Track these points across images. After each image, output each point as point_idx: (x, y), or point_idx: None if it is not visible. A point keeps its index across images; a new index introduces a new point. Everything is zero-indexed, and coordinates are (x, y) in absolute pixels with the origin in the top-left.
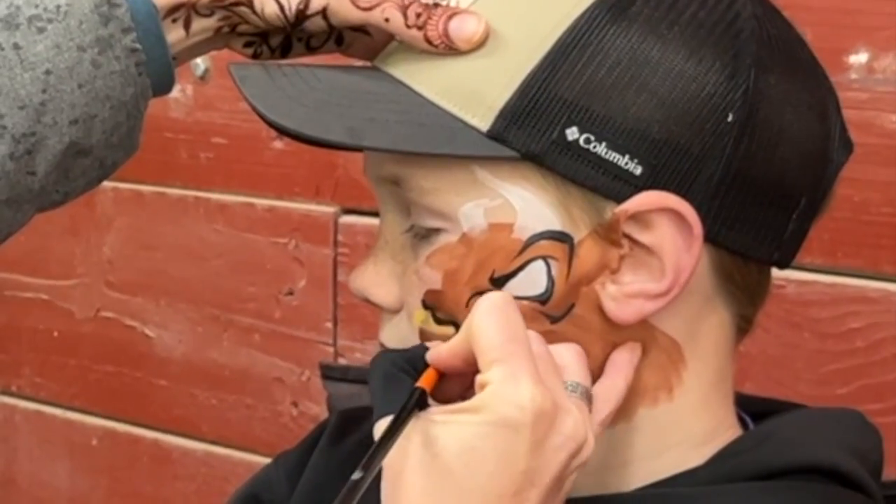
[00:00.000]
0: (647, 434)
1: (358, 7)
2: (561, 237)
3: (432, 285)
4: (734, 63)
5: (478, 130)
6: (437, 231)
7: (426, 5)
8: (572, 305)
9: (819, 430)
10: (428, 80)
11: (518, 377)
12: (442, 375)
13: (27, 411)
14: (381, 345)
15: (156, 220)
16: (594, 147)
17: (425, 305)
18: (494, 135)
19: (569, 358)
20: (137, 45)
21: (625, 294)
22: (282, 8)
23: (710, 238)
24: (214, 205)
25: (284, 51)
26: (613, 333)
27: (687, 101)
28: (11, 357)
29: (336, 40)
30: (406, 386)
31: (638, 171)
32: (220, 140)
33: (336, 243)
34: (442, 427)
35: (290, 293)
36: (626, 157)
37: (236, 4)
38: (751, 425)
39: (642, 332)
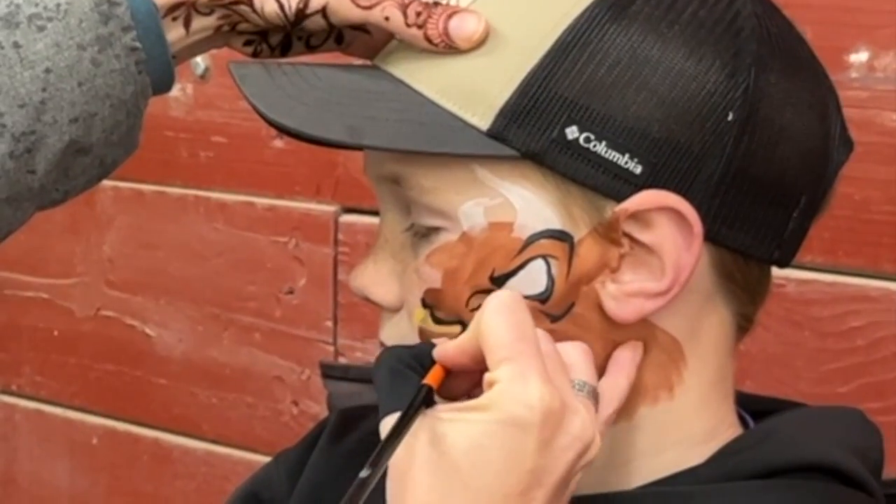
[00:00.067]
0: (647, 432)
1: (358, 6)
2: (561, 236)
3: (432, 284)
4: (734, 62)
5: (478, 129)
6: (437, 230)
7: (426, 4)
8: (572, 304)
9: (819, 428)
10: (428, 78)
11: (527, 376)
12: (448, 372)
13: (27, 410)
14: (382, 344)
15: (156, 219)
16: (594, 146)
17: (425, 304)
18: (494, 134)
19: (576, 356)
20: (137, 44)
21: (625, 293)
22: (282, 6)
23: (711, 237)
24: (215, 204)
25: (284, 49)
26: (614, 332)
27: (687, 99)
28: (11, 356)
29: (336, 39)
30: (412, 382)
31: (638, 170)
32: (220, 139)
33: (336, 242)
34: (449, 425)
35: (291, 292)
36: (626, 156)
37: (236, 3)
38: (751, 424)
39: (643, 330)
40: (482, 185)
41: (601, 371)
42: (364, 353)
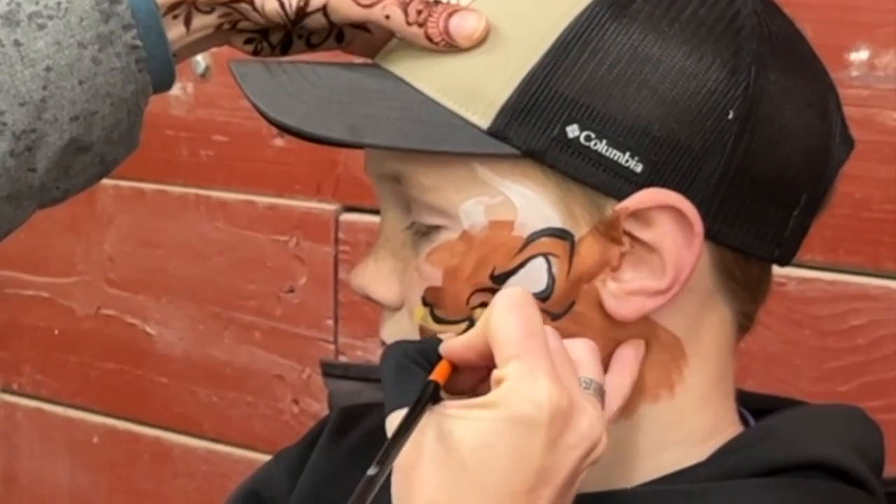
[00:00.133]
0: (648, 431)
1: (358, 4)
2: (561, 234)
3: (433, 282)
4: (735, 60)
5: (478, 128)
6: (437, 228)
7: (427, 3)
8: (573, 303)
9: (820, 426)
10: (429, 77)
11: (535, 374)
12: (455, 368)
13: (28, 409)
14: (382, 342)
15: (156, 218)
16: (595, 144)
17: (425, 302)
18: (495, 132)
19: (583, 353)
20: (138, 42)
21: (625, 291)
22: (282, 5)
23: (711, 235)
24: (215, 202)
25: (285, 48)
26: (614, 330)
27: (687, 98)
28: (12, 355)
29: (336, 37)
30: (418, 378)
31: (638, 168)
32: (220, 138)
33: (337, 241)
34: (457, 422)
35: (291, 291)
36: (627, 154)
37: (237, 1)
38: (752, 422)
39: (644, 328)
40: (483, 183)
41: (603, 369)
42: (364, 352)
